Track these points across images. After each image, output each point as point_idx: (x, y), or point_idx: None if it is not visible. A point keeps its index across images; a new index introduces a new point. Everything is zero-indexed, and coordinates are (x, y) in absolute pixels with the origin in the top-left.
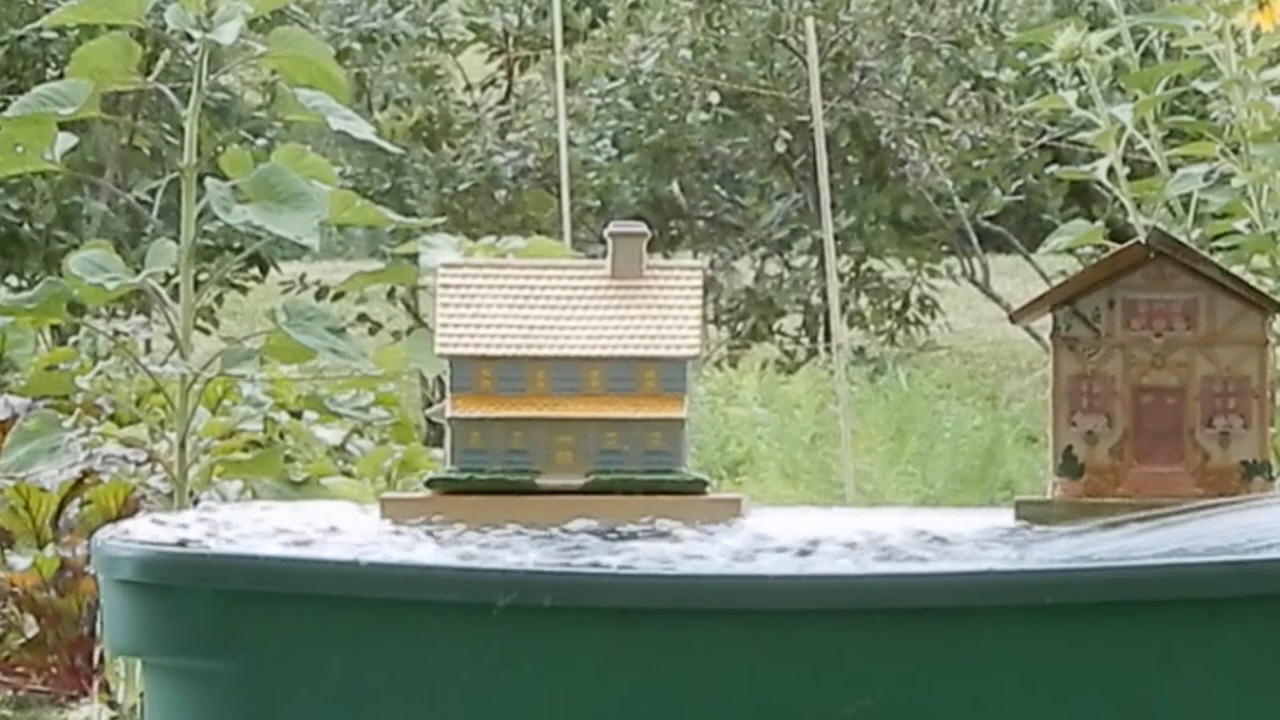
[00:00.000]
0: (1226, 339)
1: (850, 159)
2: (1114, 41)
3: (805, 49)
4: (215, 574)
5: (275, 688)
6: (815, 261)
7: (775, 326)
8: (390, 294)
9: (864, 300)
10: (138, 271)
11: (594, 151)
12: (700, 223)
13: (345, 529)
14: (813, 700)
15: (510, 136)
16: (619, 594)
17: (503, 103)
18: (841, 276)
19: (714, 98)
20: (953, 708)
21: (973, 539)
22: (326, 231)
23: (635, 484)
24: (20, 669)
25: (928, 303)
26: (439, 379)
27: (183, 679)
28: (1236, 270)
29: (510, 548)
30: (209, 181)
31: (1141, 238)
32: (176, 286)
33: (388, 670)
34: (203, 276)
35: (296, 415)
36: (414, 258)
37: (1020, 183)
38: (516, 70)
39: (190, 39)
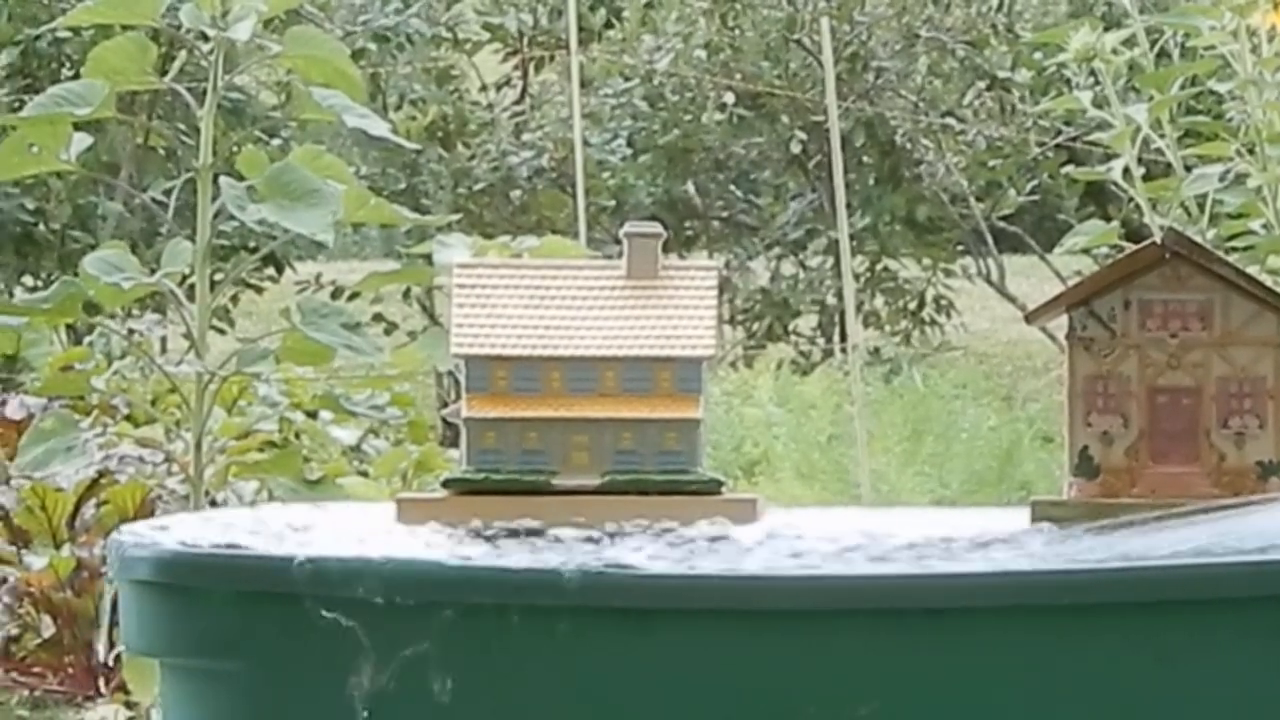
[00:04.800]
0: (1242, 339)
1: (865, 159)
2: (1129, 41)
3: (820, 49)
4: (232, 575)
5: (293, 689)
6: (830, 262)
7: (790, 327)
8: (406, 294)
9: (879, 300)
10: (153, 271)
11: (609, 151)
12: (715, 223)
13: (361, 529)
14: (824, 702)
15: (525, 136)
16: (633, 594)
17: (518, 103)
18: (857, 277)
19: (729, 98)
20: (966, 709)
21: (987, 539)
22: (342, 232)
23: (651, 484)
24: (37, 669)
25: (943, 303)
26: (454, 379)
27: (200, 680)
28: (1252, 270)
29: (526, 548)
30: (224, 180)
31: (1157, 238)
32: (192, 286)
33: (405, 672)
34: (218, 276)
35: (312, 415)
36: (429, 258)
37: (1035, 183)
38: (531, 70)
39: (205, 38)
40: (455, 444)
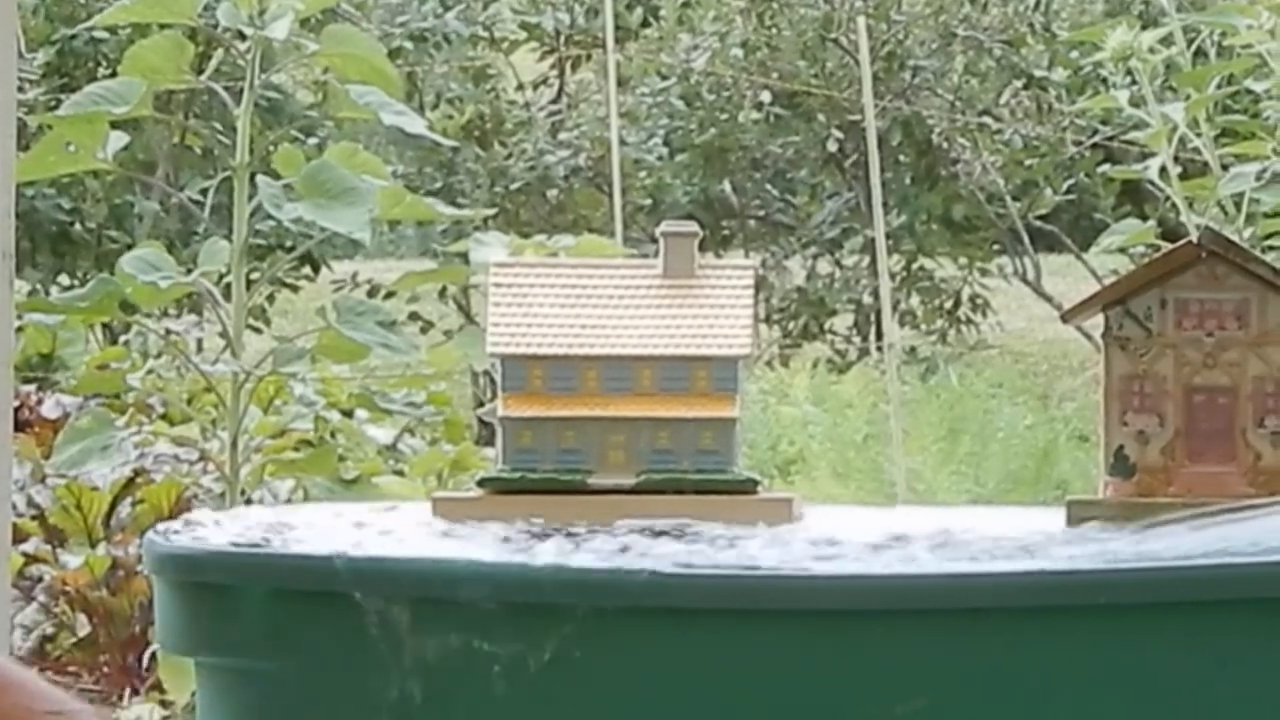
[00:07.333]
0: (1279, 338)
1: (902, 158)
2: (1166, 40)
3: (857, 48)
4: (268, 573)
5: (329, 689)
6: (867, 261)
7: (827, 326)
8: (442, 293)
9: (915, 299)
10: (190, 271)
11: (646, 150)
12: (752, 222)
13: (399, 528)
14: (864, 701)
15: (562, 135)
16: (672, 594)
17: (554, 102)
18: (893, 276)
19: (766, 97)
20: (1005, 709)
21: (1025, 539)
22: (378, 230)
23: (686, 483)
24: (72, 668)
25: (979, 302)
26: (490, 378)
27: (235, 679)
28: None
29: (563, 548)
30: (260, 179)
31: (1193, 237)
32: (228, 285)
33: (443, 672)
34: (255, 275)
35: (348, 414)
36: (465, 257)
37: (1072, 182)
38: (568, 69)
39: (242, 37)
40: (491, 443)
